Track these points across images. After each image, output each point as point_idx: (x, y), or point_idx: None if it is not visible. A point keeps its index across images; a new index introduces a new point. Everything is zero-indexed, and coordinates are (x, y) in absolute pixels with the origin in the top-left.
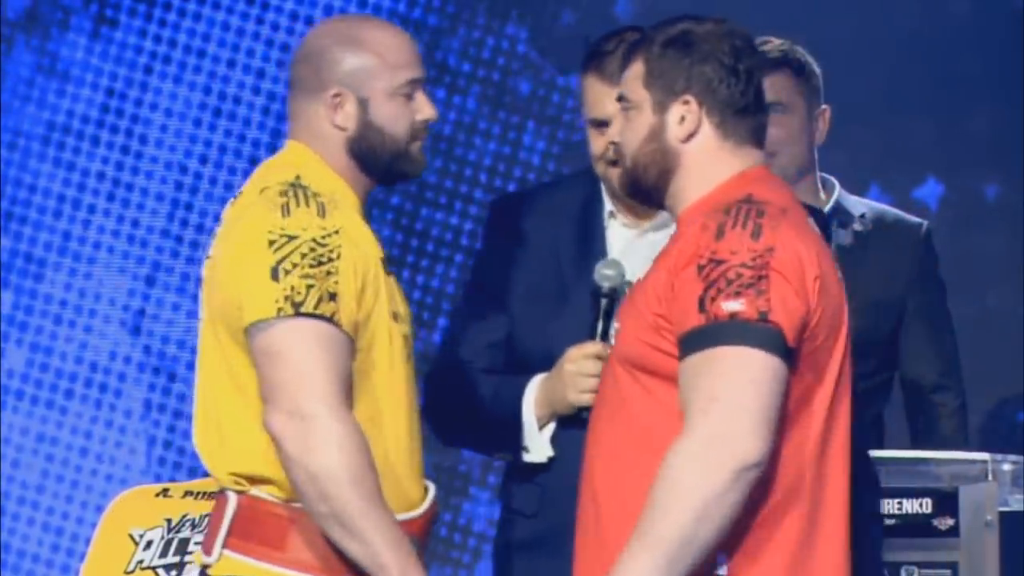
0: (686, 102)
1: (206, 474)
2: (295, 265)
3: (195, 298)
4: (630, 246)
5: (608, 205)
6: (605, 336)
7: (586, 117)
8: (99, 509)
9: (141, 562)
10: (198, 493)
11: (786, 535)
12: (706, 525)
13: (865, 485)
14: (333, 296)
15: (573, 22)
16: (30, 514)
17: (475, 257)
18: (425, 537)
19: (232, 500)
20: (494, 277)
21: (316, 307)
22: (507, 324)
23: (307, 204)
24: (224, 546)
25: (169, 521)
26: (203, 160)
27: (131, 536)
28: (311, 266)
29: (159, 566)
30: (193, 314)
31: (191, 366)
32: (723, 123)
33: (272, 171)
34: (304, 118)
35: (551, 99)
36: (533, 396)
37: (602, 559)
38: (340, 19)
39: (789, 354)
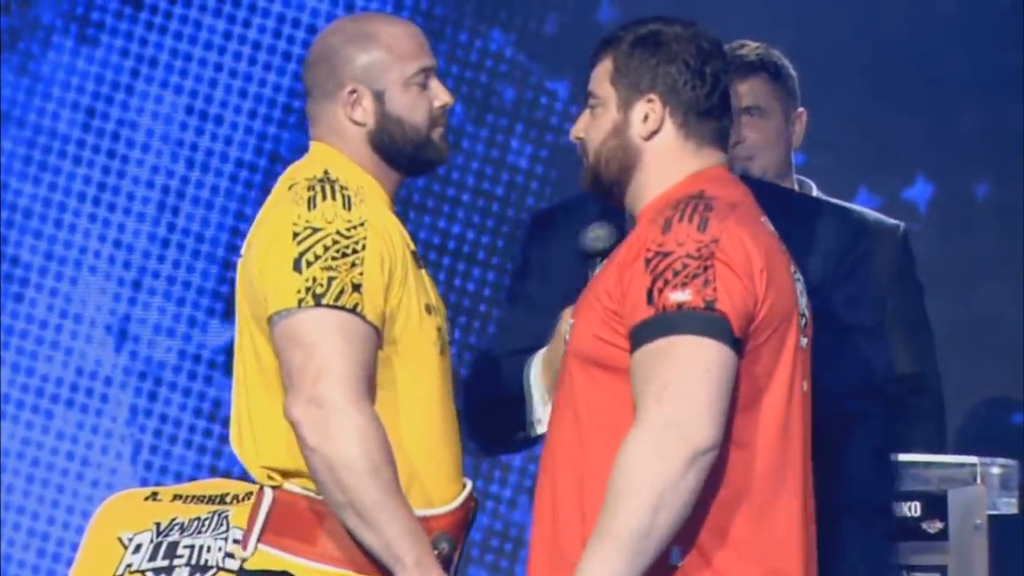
0: (650, 100)
1: (193, 479)
2: (317, 257)
3: (181, 302)
4: None
5: None
6: None
7: None
8: (86, 515)
9: (130, 566)
10: (187, 497)
11: (739, 529)
12: (663, 514)
13: (878, 482)
14: (357, 287)
15: (558, 28)
16: (16, 519)
17: (512, 266)
18: (458, 534)
19: (268, 496)
20: (527, 286)
21: (338, 299)
22: (541, 332)
23: (333, 197)
24: (259, 540)
25: (158, 525)
26: (189, 165)
27: (120, 540)
28: (334, 258)
29: (148, 570)
30: (179, 318)
31: (177, 371)
32: (685, 124)
33: (300, 169)
34: (324, 120)
35: (539, 103)
36: (538, 367)
37: (557, 553)
38: (346, 19)
39: (736, 344)
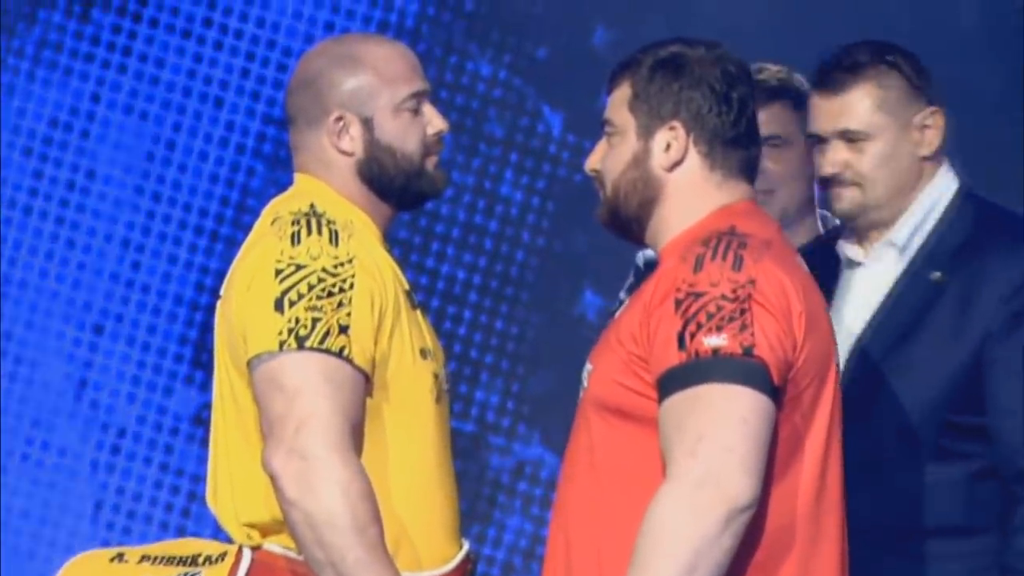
0: (672, 128)
1: (160, 539)
2: (301, 296)
3: (146, 347)
4: (849, 282)
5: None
6: None
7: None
8: None
9: None
10: (156, 558)
11: None
12: (699, 575)
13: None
14: (344, 329)
15: (552, 51)
16: None
17: None
18: None
19: (246, 556)
20: None
21: (323, 341)
22: None
23: (319, 232)
24: None
25: None
26: (155, 197)
27: None
28: (319, 297)
29: None
30: (143, 365)
31: (141, 421)
32: (711, 153)
33: (284, 202)
34: (309, 149)
35: (535, 130)
36: None
37: None
38: (332, 41)
39: (775, 392)
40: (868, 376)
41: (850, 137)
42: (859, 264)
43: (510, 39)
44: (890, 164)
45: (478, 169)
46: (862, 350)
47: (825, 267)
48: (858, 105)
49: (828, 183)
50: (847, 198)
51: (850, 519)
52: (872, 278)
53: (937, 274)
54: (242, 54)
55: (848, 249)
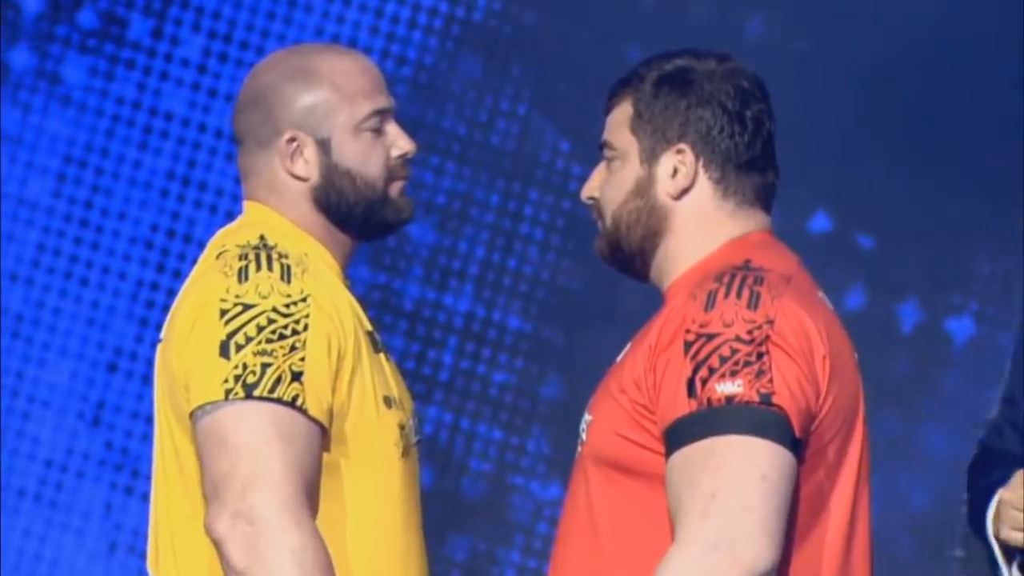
0: (680, 151)
1: None
2: (249, 339)
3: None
4: None
5: None
6: None
7: None
8: None
9: None
10: None
11: None
12: None
13: None
14: (297, 376)
15: (577, 82)
16: None
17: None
18: None
19: None
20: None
21: (273, 389)
22: None
23: (269, 267)
24: None
25: None
26: (169, 234)
27: None
28: (270, 340)
29: None
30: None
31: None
32: (723, 179)
33: (231, 234)
34: (259, 173)
35: (555, 166)
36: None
37: None
38: (283, 52)
39: (797, 445)
40: None
41: None
42: None
43: (532, 67)
44: None
45: (497, 206)
46: None
47: None
48: None
49: None
50: None
51: None
52: None
53: None
54: None
55: None
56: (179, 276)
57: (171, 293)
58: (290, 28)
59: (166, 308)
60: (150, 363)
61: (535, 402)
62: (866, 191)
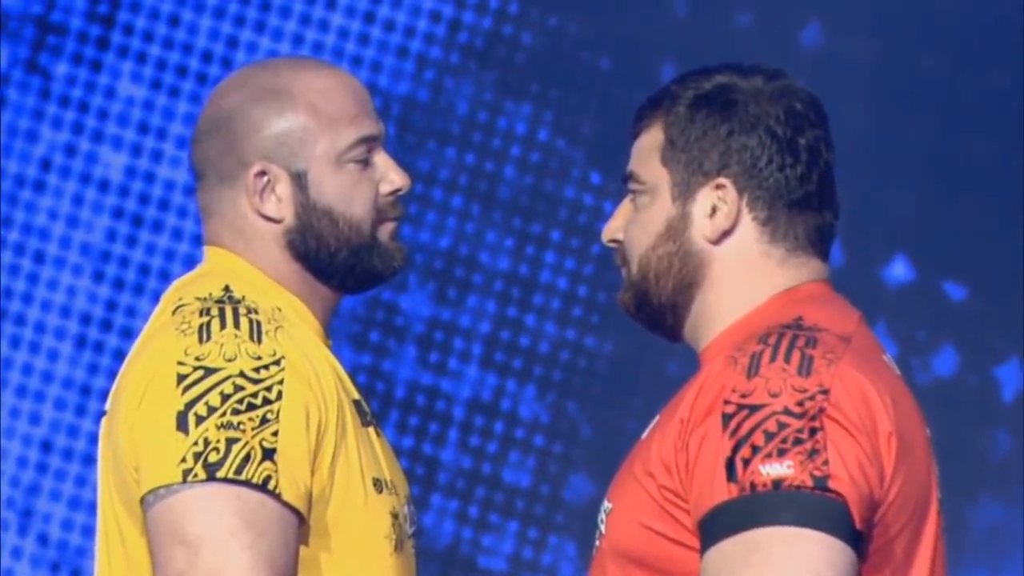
0: (720, 186)
1: None
2: (212, 410)
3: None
4: None
5: None
6: None
7: None
8: None
9: None
10: None
11: None
12: None
13: None
14: (269, 454)
15: (609, 101)
16: None
17: None
18: None
19: None
20: None
21: (240, 470)
22: None
23: (235, 324)
24: None
25: None
26: (117, 284)
27: None
28: (236, 411)
29: None
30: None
31: None
32: (771, 219)
33: (190, 284)
34: (222, 213)
35: (583, 203)
36: None
37: None
38: (253, 68)
39: (858, 539)
40: None
41: None
42: None
43: (555, 87)
44: None
45: (513, 250)
46: None
47: None
48: None
49: None
50: None
51: None
52: None
53: None
54: None
55: None
56: (129, 335)
57: (118, 355)
58: (262, 35)
59: (108, 373)
60: (91, 438)
61: (553, 508)
62: (954, 231)
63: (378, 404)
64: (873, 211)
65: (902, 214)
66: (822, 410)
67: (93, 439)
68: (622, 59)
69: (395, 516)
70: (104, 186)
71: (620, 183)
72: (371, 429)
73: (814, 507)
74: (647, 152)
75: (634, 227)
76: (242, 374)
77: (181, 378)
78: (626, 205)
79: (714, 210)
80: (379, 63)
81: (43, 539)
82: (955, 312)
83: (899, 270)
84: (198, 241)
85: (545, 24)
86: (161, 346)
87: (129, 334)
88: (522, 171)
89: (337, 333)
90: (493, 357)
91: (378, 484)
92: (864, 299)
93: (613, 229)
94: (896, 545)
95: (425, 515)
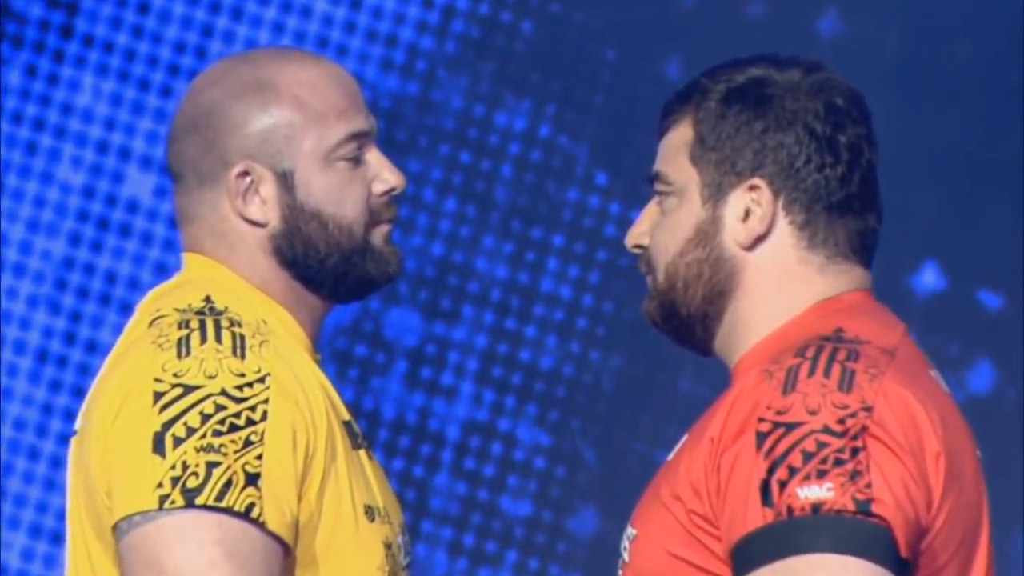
0: (754, 188)
1: None
2: (192, 431)
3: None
4: None
5: None
6: None
7: None
8: None
9: None
10: None
11: None
12: None
13: None
14: (253, 479)
15: (616, 94)
16: None
17: None
18: None
19: None
20: None
21: (222, 496)
22: None
23: (217, 339)
24: None
25: None
26: (81, 294)
27: None
28: (217, 433)
29: None
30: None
31: None
32: (809, 223)
33: (168, 295)
34: (202, 217)
35: (587, 205)
36: None
37: None
38: (233, 60)
39: (904, 567)
40: None
41: None
42: None
43: (557, 79)
44: None
45: (512, 256)
46: None
47: None
48: None
49: None
50: None
51: None
52: None
53: None
54: None
55: None
56: (94, 349)
57: (83, 371)
58: (239, 24)
59: (81, 392)
60: (59, 463)
61: (555, 536)
62: (988, 234)
63: (365, 423)
64: (899, 214)
65: (930, 217)
66: (864, 428)
67: (56, 462)
68: (629, 50)
69: (388, 546)
70: (66, 187)
71: (630, 182)
72: (362, 452)
73: (856, 533)
74: (675, 150)
75: (660, 231)
76: (224, 392)
77: (158, 396)
78: (652, 208)
79: (747, 213)
80: (366, 53)
81: (2, 570)
82: (991, 323)
83: (929, 278)
84: (170, 246)
85: (547, 11)
86: (136, 361)
87: (95, 348)
88: (521, 170)
89: (320, 347)
90: (490, 373)
91: (370, 512)
92: (891, 310)
93: (638, 234)
94: (945, 574)
95: (416, 544)
